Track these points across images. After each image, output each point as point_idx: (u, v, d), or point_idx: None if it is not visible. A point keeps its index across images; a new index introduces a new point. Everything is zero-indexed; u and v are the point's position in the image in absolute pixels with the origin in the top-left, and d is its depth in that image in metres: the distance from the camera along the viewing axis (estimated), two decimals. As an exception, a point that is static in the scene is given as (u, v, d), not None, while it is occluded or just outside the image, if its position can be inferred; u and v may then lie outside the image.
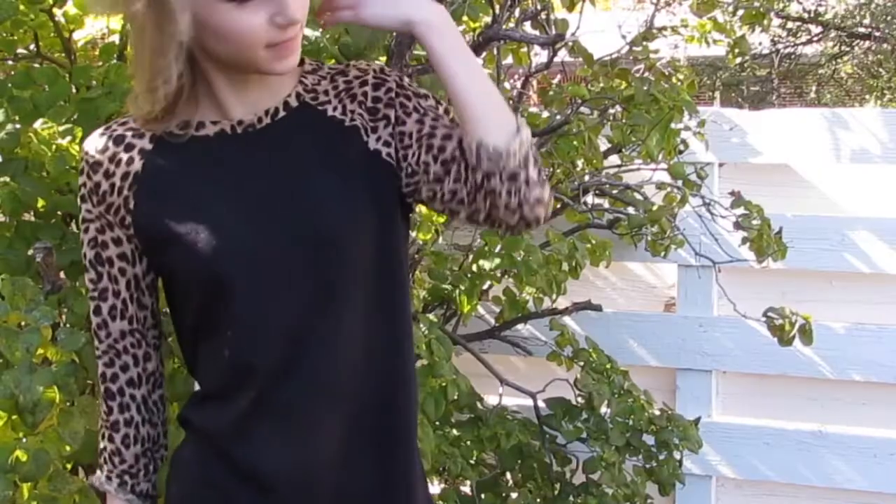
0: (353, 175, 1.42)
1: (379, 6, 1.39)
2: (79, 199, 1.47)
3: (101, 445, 1.54)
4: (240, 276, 1.38)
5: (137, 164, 1.42)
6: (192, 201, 1.41)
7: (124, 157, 1.43)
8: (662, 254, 2.83)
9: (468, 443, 2.66)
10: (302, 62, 1.48)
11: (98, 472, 1.55)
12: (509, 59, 3.04)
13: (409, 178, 1.42)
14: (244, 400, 1.42)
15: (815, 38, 9.79)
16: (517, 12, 2.50)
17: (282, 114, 1.44)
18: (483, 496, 2.73)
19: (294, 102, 1.45)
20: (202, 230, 1.39)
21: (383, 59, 2.22)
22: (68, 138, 2.06)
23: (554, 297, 2.71)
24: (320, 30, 2.02)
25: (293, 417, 1.42)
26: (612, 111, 2.85)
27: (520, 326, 3.10)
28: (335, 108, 1.45)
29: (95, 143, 1.45)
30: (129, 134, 1.44)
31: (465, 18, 2.60)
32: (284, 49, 1.35)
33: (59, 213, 2.19)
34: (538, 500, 2.75)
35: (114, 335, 1.51)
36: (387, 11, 1.39)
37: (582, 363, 2.77)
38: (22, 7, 2.22)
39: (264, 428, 1.42)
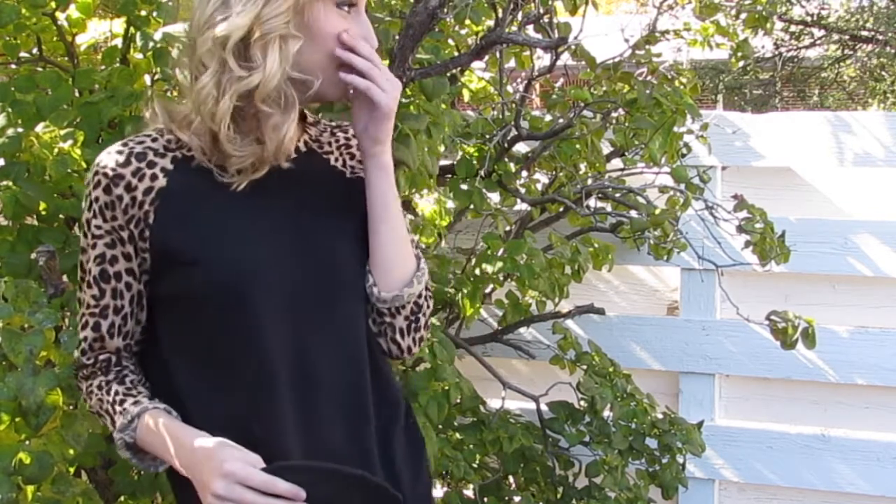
0: (352, 219, 1.57)
1: (390, 101, 1.50)
2: (87, 216, 1.50)
3: (110, 419, 1.55)
4: (258, 297, 1.47)
5: (161, 181, 1.48)
6: (212, 224, 1.48)
7: (148, 172, 1.48)
8: (665, 257, 2.83)
9: (471, 446, 2.65)
10: (304, 116, 1.61)
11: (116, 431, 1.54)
12: (512, 63, 3.04)
13: None
14: (252, 400, 1.49)
15: (818, 42, 9.81)
16: (520, 16, 2.50)
17: (292, 156, 1.55)
18: (486, 500, 2.73)
19: (303, 147, 1.58)
20: (223, 253, 1.47)
21: (385, 62, 2.22)
22: (70, 142, 2.06)
23: (556, 300, 2.71)
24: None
25: (300, 416, 1.51)
26: (614, 115, 2.85)
27: (522, 330, 3.10)
28: (337, 160, 1.62)
29: (115, 157, 1.48)
30: (149, 152, 1.50)
31: (467, 22, 2.61)
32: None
33: (61, 216, 2.19)
34: (541, 503, 2.75)
35: (109, 349, 1.55)
36: (389, 108, 1.50)
37: (585, 367, 2.77)
38: (24, 11, 2.23)
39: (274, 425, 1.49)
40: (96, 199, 1.48)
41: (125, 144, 1.50)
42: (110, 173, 1.47)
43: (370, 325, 1.60)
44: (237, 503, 1.36)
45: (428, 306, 1.63)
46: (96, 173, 1.48)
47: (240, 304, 1.46)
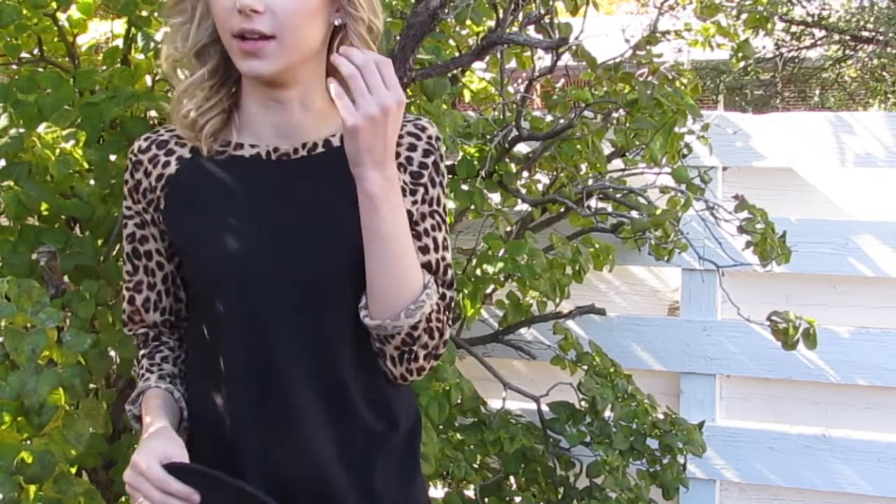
0: (358, 229, 1.46)
1: (357, 120, 1.36)
2: (125, 195, 1.56)
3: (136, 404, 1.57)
4: (233, 296, 1.48)
5: (172, 168, 1.52)
6: (215, 214, 1.49)
7: (163, 159, 1.52)
8: (666, 258, 2.82)
9: (472, 447, 2.65)
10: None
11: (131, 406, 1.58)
12: (513, 63, 3.04)
13: None
14: (231, 392, 1.51)
15: (819, 42, 9.81)
16: (520, 16, 2.50)
17: (320, 150, 1.51)
18: (487, 500, 2.73)
19: (336, 142, 1.51)
20: (219, 243, 1.48)
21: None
22: (71, 142, 2.06)
23: (557, 300, 2.71)
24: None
25: (266, 417, 1.50)
26: (615, 115, 2.85)
27: (523, 330, 3.10)
28: None
29: (140, 144, 1.55)
30: (172, 141, 1.54)
31: (468, 23, 2.61)
32: (246, 47, 1.40)
33: (62, 216, 2.19)
34: (542, 503, 2.75)
35: (147, 323, 1.61)
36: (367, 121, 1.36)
37: (585, 367, 2.77)
38: (25, 11, 2.23)
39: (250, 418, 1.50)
40: (125, 182, 1.55)
41: (156, 132, 1.56)
42: (133, 158, 1.54)
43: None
44: (137, 491, 1.39)
45: (430, 338, 1.51)
46: (128, 157, 1.56)
47: (219, 299, 1.49)
